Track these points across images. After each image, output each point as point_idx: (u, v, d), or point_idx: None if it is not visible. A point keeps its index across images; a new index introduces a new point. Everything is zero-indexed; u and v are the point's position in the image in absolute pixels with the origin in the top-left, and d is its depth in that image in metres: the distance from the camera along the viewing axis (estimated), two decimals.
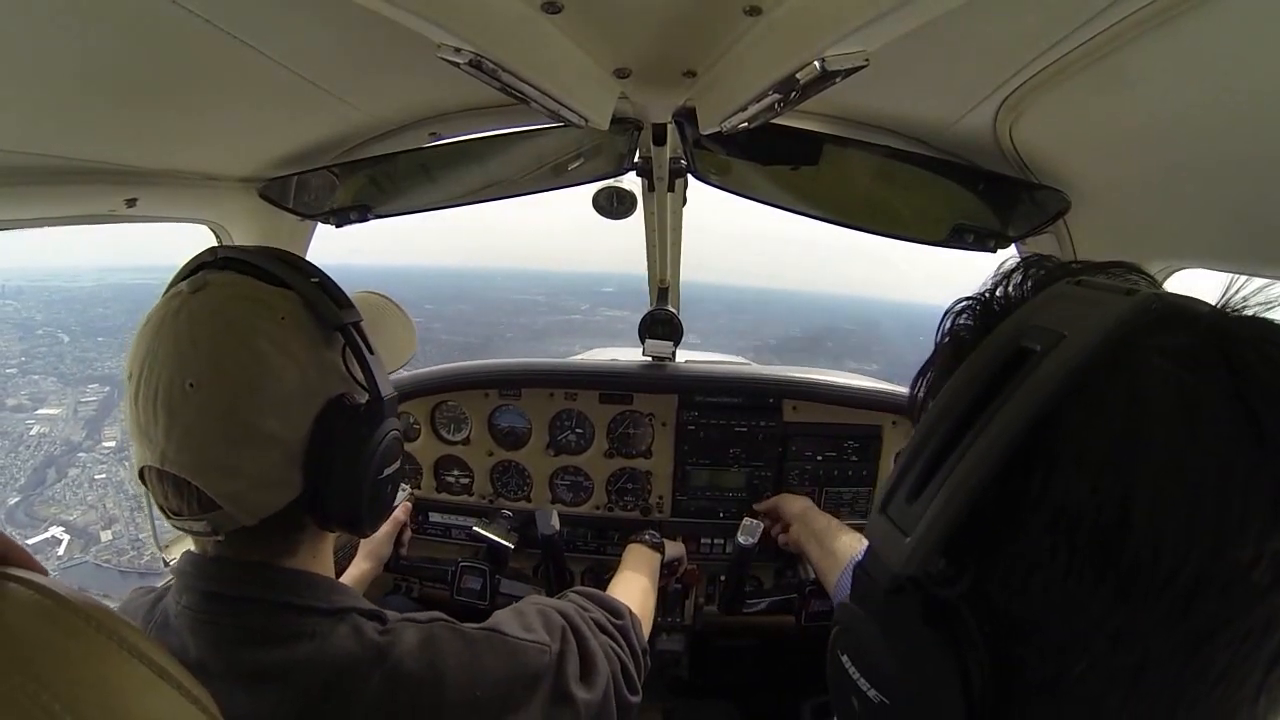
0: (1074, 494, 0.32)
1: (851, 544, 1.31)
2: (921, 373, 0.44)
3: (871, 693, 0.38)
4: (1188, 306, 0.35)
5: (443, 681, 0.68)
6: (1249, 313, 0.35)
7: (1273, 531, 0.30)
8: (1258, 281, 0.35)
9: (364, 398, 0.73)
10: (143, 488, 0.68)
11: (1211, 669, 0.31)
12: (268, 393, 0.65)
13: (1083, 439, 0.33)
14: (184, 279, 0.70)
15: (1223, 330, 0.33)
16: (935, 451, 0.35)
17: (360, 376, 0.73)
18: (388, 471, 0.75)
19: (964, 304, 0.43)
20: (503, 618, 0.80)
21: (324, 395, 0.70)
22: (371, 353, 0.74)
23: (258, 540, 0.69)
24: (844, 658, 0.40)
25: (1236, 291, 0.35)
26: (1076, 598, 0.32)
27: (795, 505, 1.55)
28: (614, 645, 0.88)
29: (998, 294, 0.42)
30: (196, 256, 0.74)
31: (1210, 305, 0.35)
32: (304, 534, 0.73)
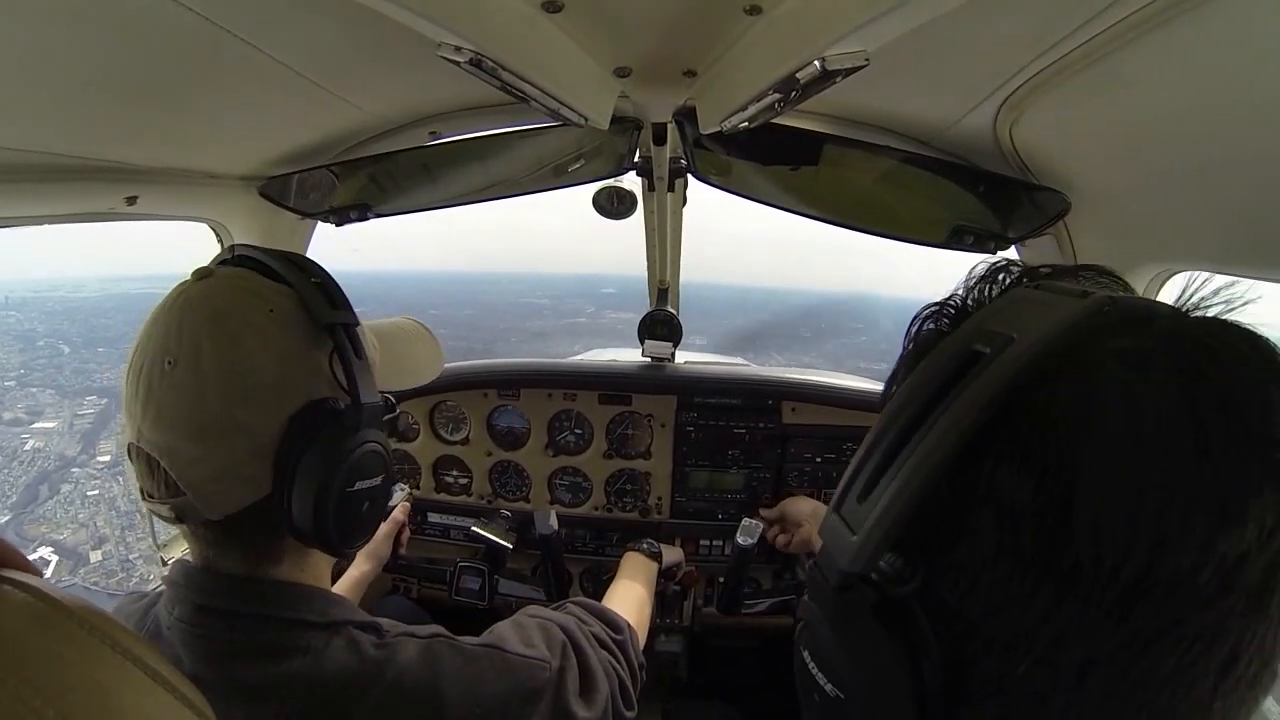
0: (1019, 493, 0.32)
1: None
2: (893, 378, 0.44)
3: (829, 687, 0.38)
4: (1144, 309, 0.35)
5: (442, 698, 0.68)
6: (1211, 313, 0.35)
7: (1219, 536, 0.30)
8: (1218, 280, 0.35)
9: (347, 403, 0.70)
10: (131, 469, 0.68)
11: (1157, 672, 0.31)
12: (240, 380, 0.64)
13: (1028, 438, 0.33)
14: None
15: (1177, 333, 0.34)
16: (885, 452, 0.35)
17: (344, 380, 0.70)
18: (361, 485, 0.70)
19: (931, 309, 0.43)
20: (503, 631, 0.79)
21: (304, 394, 0.67)
22: (360, 358, 0.71)
23: (235, 543, 0.68)
24: (805, 654, 0.41)
25: (1195, 292, 0.35)
26: (1020, 597, 0.32)
27: (805, 506, 1.55)
28: (613, 661, 0.87)
29: (967, 300, 0.42)
30: (218, 255, 0.76)
31: (1170, 307, 0.36)
32: (284, 541, 0.70)
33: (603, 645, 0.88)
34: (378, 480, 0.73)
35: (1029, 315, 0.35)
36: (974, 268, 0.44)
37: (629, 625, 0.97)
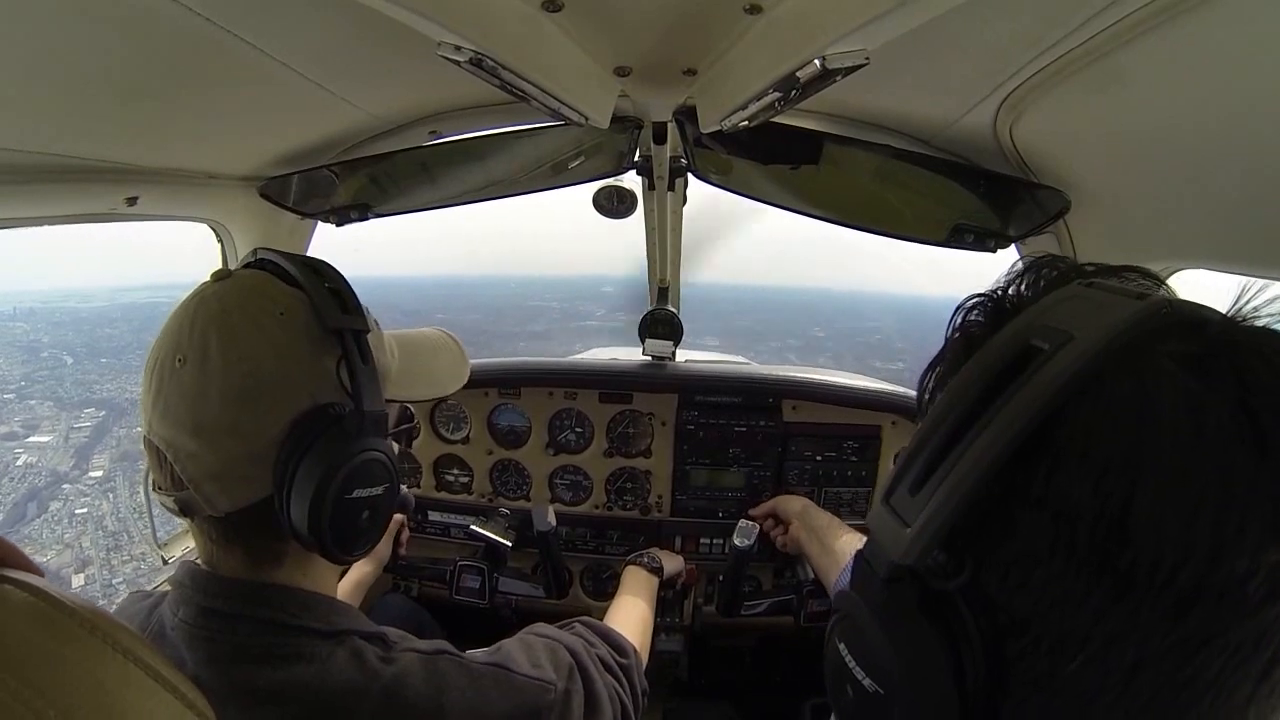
0: (1076, 492, 0.32)
1: (851, 542, 1.31)
2: (931, 367, 0.44)
3: (866, 681, 0.38)
4: (1198, 313, 0.35)
5: (444, 716, 0.68)
6: (1260, 323, 0.35)
7: (1270, 544, 0.30)
8: (1271, 290, 0.35)
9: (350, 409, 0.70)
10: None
11: (1203, 677, 0.31)
12: (242, 380, 0.64)
13: (1088, 438, 0.33)
14: None
15: (1232, 339, 0.33)
16: (940, 444, 0.35)
17: (349, 385, 0.69)
18: (360, 493, 0.69)
19: (976, 300, 0.43)
20: (510, 650, 0.79)
21: (308, 398, 0.67)
22: (366, 364, 0.70)
23: (237, 542, 0.68)
24: (841, 646, 0.40)
25: (1248, 301, 0.35)
26: (1074, 596, 0.33)
27: (794, 504, 1.55)
28: (618, 686, 0.87)
29: (1010, 292, 0.42)
30: (244, 258, 0.78)
31: (1220, 314, 0.35)
32: (286, 544, 0.70)
33: (608, 669, 0.88)
34: (379, 489, 0.71)
35: (1086, 313, 0.35)
36: (1016, 261, 0.44)
37: (634, 649, 0.97)
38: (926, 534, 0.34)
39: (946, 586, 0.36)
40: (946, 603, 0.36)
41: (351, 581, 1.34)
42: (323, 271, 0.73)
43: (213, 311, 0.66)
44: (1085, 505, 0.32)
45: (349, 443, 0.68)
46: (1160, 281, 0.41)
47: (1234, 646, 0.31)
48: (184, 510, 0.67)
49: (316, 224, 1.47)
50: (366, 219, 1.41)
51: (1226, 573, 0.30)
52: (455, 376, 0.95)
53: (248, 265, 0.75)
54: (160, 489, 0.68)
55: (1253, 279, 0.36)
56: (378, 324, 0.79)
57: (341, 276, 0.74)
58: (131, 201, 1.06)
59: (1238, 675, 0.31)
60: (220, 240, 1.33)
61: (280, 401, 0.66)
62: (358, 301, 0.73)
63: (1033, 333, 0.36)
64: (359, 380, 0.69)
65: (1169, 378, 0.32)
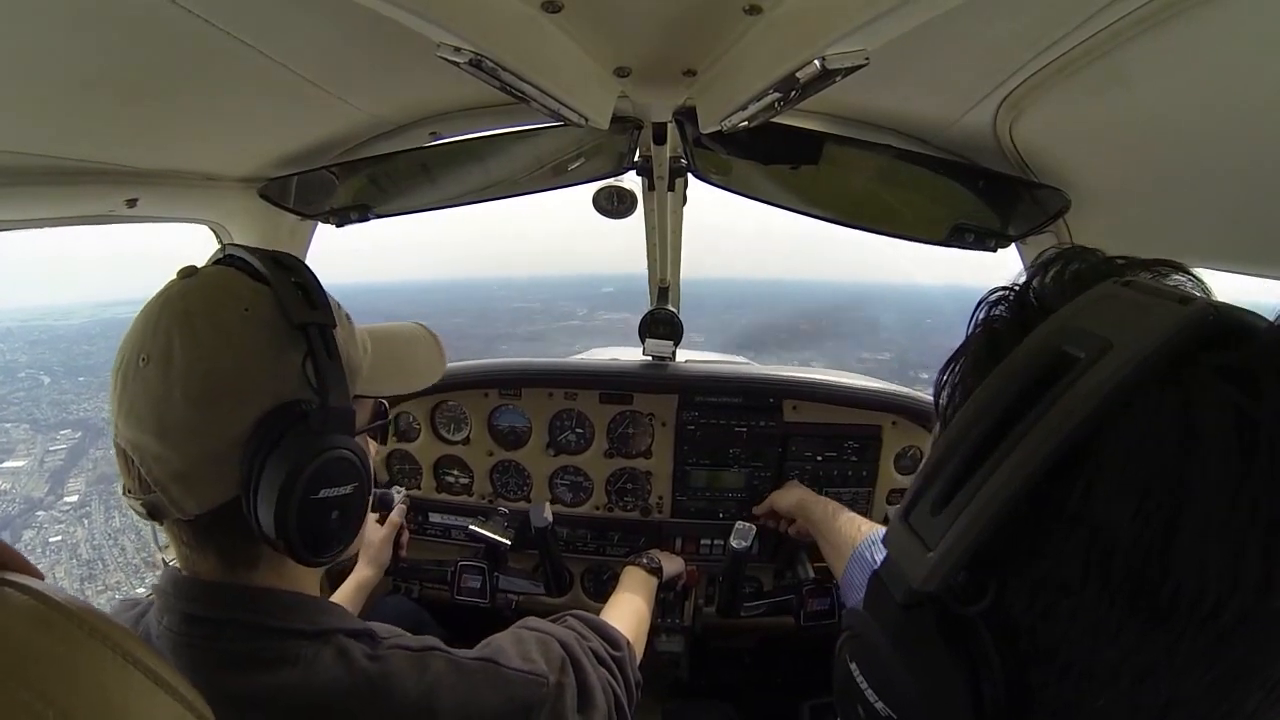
0: (1115, 513, 0.30)
1: (849, 530, 1.31)
2: (952, 361, 0.41)
3: (879, 705, 0.36)
4: (1244, 320, 0.32)
5: (435, 714, 0.67)
6: None
7: None
8: None
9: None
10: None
11: (1240, 712, 0.30)
12: (203, 381, 0.63)
13: (1127, 455, 0.30)
14: None
15: None
16: (965, 460, 0.33)
17: (314, 382, 0.67)
18: (327, 493, 0.66)
19: (1000, 294, 0.40)
20: (501, 644, 0.79)
21: (273, 397, 0.65)
22: (332, 359, 0.68)
23: (210, 545, 0.67)
24: (852, 665, 0.39)
25: None
26: (1106, 626, 0.30)
27: (789, 499, 1.55)
28: (611, 679, 0.87)
29: (1034, 285, 0.39)
30: (213, 254, 0.76)
31: (1267, 320, 0.33)
32: (259, 546, 0.68)
33: (601, 662, 0.88)
34: (347, 489, 0.69)
35: (1124, 317, 0.32)
36: (1043, 252, 0.41)
37: (628, 642, 0.97)
38: (949, 560, 0.32)
39: (968, 611, 0.33)
40: (967, 627, 0.33)
41: (353, 585, 1.34)
42: (289, 266, 0.71)
43: (176, 310, 0.65)
44: (1123, 529, 0.30)
45: (314, 440, 0.66)
46: (1194, 277, 0.38)
47: (1273, 682, 0.29)
48: (153, 514, 0.66)
49: (316, 225, 1.47)
50: (367, 219, 1.41)
51: (1273, 607, 0.28)
52: (431, 370, 0.92)
53: (216, 261, 0.73)
54: (129, 493, 0.66)
55: (1261, 278, 0.35)
56: (350, 318, 0.77)
57: (309, 271, 0.72)
58: (131, 203, 1.06)
59: (1273, 712, 0.30)
60: (220, 242, 1.33)
61: (243, 401, 0.65)
62: (325, 296, 0.71)
63: (1065, 338, 0.33)
64: (324, 375, 0.67)
65: (1217, 393, 0.30)
